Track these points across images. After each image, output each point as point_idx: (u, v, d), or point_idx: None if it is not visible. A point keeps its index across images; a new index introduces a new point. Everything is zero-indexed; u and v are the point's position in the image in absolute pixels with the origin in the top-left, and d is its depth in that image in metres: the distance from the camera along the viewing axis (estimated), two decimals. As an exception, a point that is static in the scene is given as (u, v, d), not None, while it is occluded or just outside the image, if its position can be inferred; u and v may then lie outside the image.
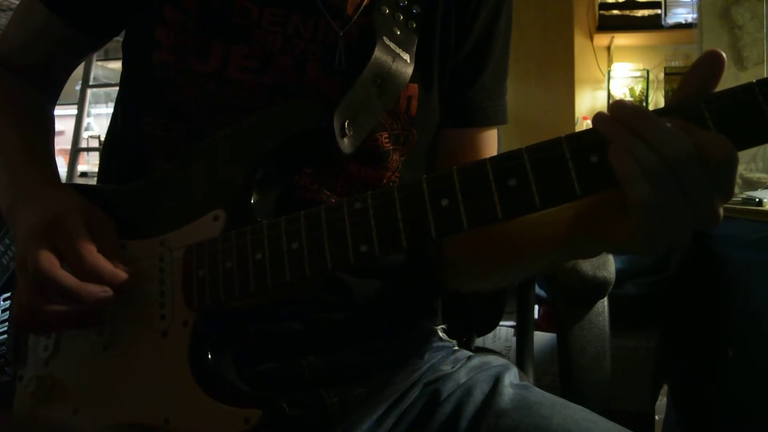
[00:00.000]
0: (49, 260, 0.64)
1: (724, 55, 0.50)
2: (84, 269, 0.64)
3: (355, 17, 0.77)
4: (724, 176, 0.49)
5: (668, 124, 0.49)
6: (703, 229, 0.52)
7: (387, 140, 0.78)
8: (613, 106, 0.52)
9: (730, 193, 0.50)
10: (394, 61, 0.75)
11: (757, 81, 0.48)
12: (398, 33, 0.77)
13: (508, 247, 0.74)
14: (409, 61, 0.76)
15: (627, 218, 0.52)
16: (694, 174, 0.48)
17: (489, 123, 0.87)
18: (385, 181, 0.79)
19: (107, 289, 0.64)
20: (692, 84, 0.50)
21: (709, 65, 0.50)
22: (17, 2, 0.89)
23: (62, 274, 0.63)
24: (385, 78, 0.74)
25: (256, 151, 0.68)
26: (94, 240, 0.67)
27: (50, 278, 0.63)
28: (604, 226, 0.56)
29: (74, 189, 0.76)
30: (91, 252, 0.65)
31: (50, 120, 0.88)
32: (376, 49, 0.74)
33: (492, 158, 0.55)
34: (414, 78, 0.78)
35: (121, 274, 0.66)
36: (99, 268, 0.65)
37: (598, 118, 0.52)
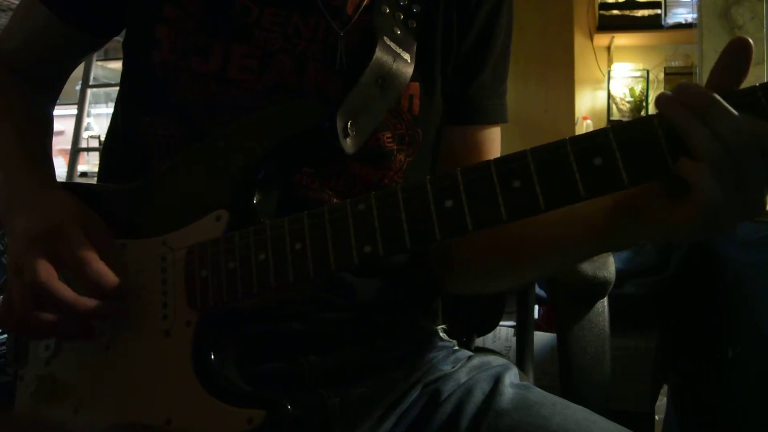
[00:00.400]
0: (47, 271, 0.64)
1: (751, 41, 0.50)
2: (87, 277, 0.64)
3: (356, 17, 0.77)
4: None
5: (731, 110, 0.49)
6: (748, 218, 0.52)
7: (390, 140, 0.78)
8: (678, 88, 0.51)
9: None
10: (395, 61, 0.75)
11: (760, 85, 0.48)
12: (398, 32, 0.77)
13: (511, 250, 0.74)
14: (409, 60, 0.76)
15: (681, 206, 0.51)
16: (753, 163, 0.49)
17: (489, 121, 0.87)
18: (386, 180, 0.79)
19: (104, 303, 0.65)
20: (724, 73, 0.50)
21: (740, 53, 0.50)
22: (17, 2, 0.89)
23: (60, 287, 0.64)
24: (387, 78, 0.74)
25: (258, 150, 0.68)
26: (93, 245, 0.67)
27: (47, 290, 0.63)
28: (652, 213, 0.55)
29: (74, 189, 0.76)
30: (94, 259, 0.65)
31: (49, 120, 0.88)
32: (377, 49, 0.74)
33: (496, 159, 0.55)
34: (415, 77, 0.78)
35: (121, 282, 0.66)
36: (101, 276, 0.65)
37: (660, 98, 0.51)
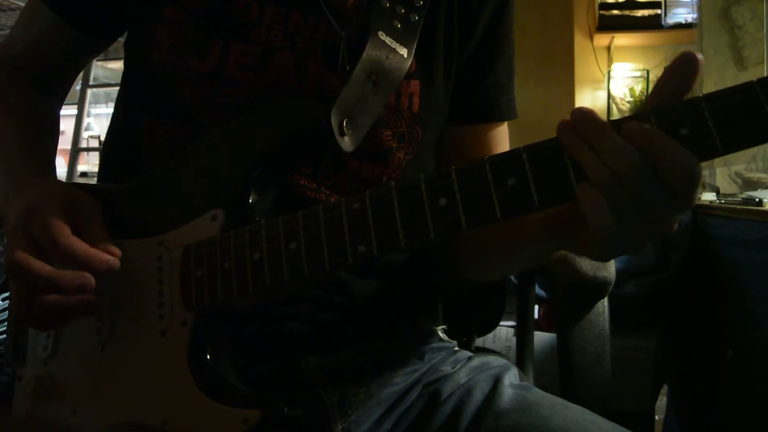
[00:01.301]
0: (21, 252, 0.63)
1: (701, 57, 0.50)
2: (59, 255, 0.64)
3: (356, 14, 0.77)
4: (682, 191, 0.49)
5: (616, 137, 0.50)
6: (657, 236, 0.53)
7: (389, 137, 0.78)
8: (573, 113, 0.52)
9: (689, 205, 0.51)
10: (388, 56, 0.74)
11: (758, 80, 0.48)
12: (398, 27, 0.76)
13: (507, 236, 0.74)
14: (406, 55, 0.76)
15: (586, 225, 0.52)
16: (644, 188, 0.49)
17: (503, 118, 0.88)
18: (384, 178, 0.79)
19: (85, 274, 0.63)
20: (670, 85, 0.51)
21: (687, 68, 0.50)
22: (17, 2, 0.90)
23: (36, 265, 0.63)
24: (380, 74, 0.74)
25: (254, 150, 0.68)
26: (73, 224, 0.66)
27: (24, 270, 0.63)
28: (569, 231, 0.57)
29: (59, 181, 0.76)
30: (62, 234, 0.64)
31: (55, 121, 0.88)
32: (369, 45, 0.74)
33: (491, 158, 0.55)
34: (415, 75, 0.78)
35: (100, 257, 0.64)
36: (74, 252, 0.64)
37: (561, 126, 0.52)
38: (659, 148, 0.49)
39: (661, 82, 0.52)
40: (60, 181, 0.74)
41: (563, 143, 0.52)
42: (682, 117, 0.49)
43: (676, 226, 0.52)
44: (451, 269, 0.88)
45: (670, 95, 0.51)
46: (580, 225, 0.54)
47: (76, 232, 0.66)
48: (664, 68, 0.52)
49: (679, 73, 0.51)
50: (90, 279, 0.63)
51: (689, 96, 0.50)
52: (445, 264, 0.88)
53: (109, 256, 0.65)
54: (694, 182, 0.49)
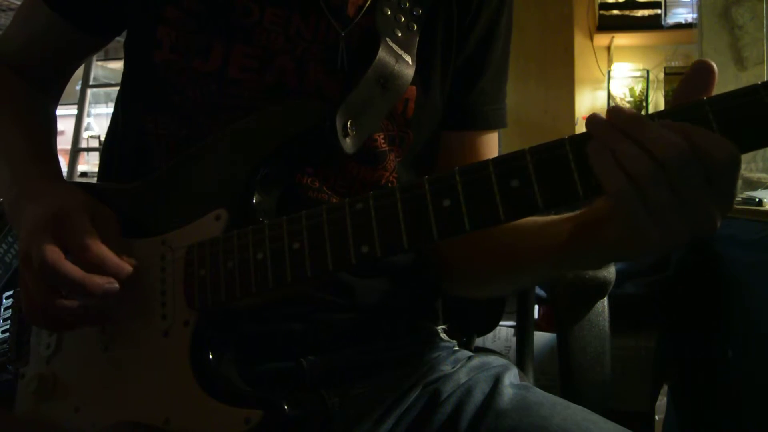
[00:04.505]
0: (54, 252, 0.64)
1: (714, 65, 0.50)
2: (89, 260, 0.64)
3: (357, 18, 0.77)
4: (724, 181, 0.48)
5: (661, 127, 0.49)
6: (699, 236, 0.51)
7: (383, 141, 0.78)
8: (610, 111, 0.51)
9: (730, 200, 0.50)
10: (397, 62, 0.75)
11: (762, 83, 0.48)
12: (399, 35, 0.77)
13: (505, 256, 0.74)
14: (411, 63, 0.76)
15: (614, 222, 0.52)
16: (689, 177, 0.48)
17: (488, 127, 0.88)
18: (383, 181, 0.79)
19: (112, 280, 0.65)
20: (685, 94, 0.51)
21: (702, 75, 0.50)
22: (17, 2, 0.90)
23: (68, 266, 0.63)
24: (389, 79, 0.74)
25: (258, 150, 0.68)
26: (98, 233, 0.67)
27: (56, 270, 0.63)
28: (599, 233, 0.57)
29: (76, 186, 0.76)
30: (96, 243, 0.65)
31: (52, 119, 0.88)
32: (381, 49, 0.74)
33: (494, 159, 0.55)
34: (413, 81, 0.78)
35: (126, 266, 0.66)
36: (104, 259, 0.65)
37: (590, 119, 0.52)
38: (700, 135, 0.48)
39: (677, 94, 0.51)
40: (78, 188, 0.74)
41: (599, 138, 0.50)
42: (686, 120, 0.49)
43: (719, 224, 0.51)
44: (447, 287, 0.89)
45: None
46: (608, 231, 0.53)
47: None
48: (682, 79, 0.51)
49: (692, 83, 0.50)
50: (116, 285, 0.65)
51: None
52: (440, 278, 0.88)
53: (130, 267, 0.67)
54: (736, 170, 0.48)
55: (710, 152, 0.47)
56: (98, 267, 0.65)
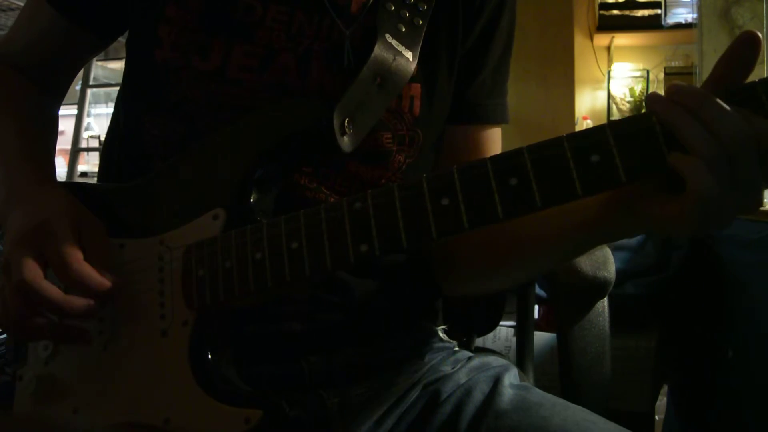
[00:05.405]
0: (32, 270, 0.63)
1: (760, 35, 0.49)
2: (70, 278, 0.64)
3: (360, 15, 0.77)
4: None
5: (724, 105, 0.49)
6: (745, 213, 0.52)
7: (389, 140, 0.78)
8: (670, 88, 0.51)
9: None
10: (394, 58, 0.74)
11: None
12: (403, 30, 0.76)
13: (518, 245, 0.73)
14: (411, 59, 0.76)
15: (676, 200, 0.51)
16: (748, 159, 0.49)
17: (488, 121, 0.87)
18: (383, 180, 0.79)
19: (91, 302, 0.64)
20: (731, 69, 0.50)
21: (748, 47, 0.49)
22: (18, 2, 0.89)
23: (46, 286, 0.63)
24: (385, 75, 0.74)
25: (255, 149, 0.68)
26: (81, 244, 0.66)
27: (33, 290, 0.62)
28: (646, 207, 0.55)
29: (72, 188, 0.76)
30: (77, 260, 0.64)
31: (53, 120, 0.88)
32: (377, 46, 0.73)
33: (493, 157, 0.55)
34: (417, 78, 0.78)
35: (107, 282, 0.65)
36: (84, 277, 0.64)
37: (651, 96, 0.51)
38: (760, 119, 0.48)
39: (720, 66, 0.50)
40: (65, 194, 0.73)
41: (660, 114, 0.50)
42: (741, 101, 0.49)
43: (761, 204, 0.52)
44: (443, 286, 0.88)
45: (730, 80, 0.50)
46: (662, 199, 0.53)
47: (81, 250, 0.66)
48: (726, 50, 0.50)
49: (739, 55, 0.50)
50: (96, 307, 0.64)
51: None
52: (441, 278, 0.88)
53: (110, 284, 0.65)
54: None
55: (765, 135, 0.48)
56: (79, 284, 0.64)
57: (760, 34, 0.49)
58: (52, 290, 0.63)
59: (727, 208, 0.51)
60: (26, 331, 0.66)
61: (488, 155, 0.56)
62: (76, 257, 0.64)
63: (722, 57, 0.51)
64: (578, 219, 0.63)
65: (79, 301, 0.63)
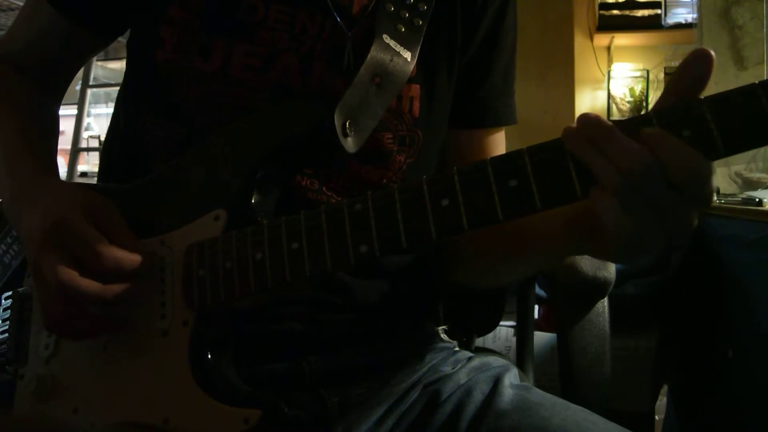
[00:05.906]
0: (66, 271, 0.63)
1: (713, 53, 0.50)
2: (104, 265, 0.64)
3: (362, 16, 0.77)
4: (695, 188, 0.49)
5: (625, 138, 0.49)
6: (679, 240, 0.52)
7: (390, 141, 0.78)
8: (578, 119, 0.52)
9: (703, 203, 0.50)
10: (392, 59, 0.74)
11: (759, 82, 0.47)
12: (402, 30, 0.76)
13: (516, 234, 0.74)
14: (409, 59, 0.76)
15: (603, 230, 0.52)
16: (656, 189, 0.49)
17: (500, 123, 0.88)
18: (384, 180, 0.79)
19: (128, 285, 0.65)
20: (683, 84, 0.50)
21: (701, 65, 0.50)
22: (18, 2, 0.89)
23: (85, 284, 0.63)
24: (383, 76, 0.74)
25: (257, 151, 0.68)
26: (102, 232, 0.66)
27: (74, 290, 0.63)
28: (590, 235, 0.57)
29: (74, 185, 0.76)
30: (106, 247, 0.65)
31: (54, 119, 0.88)
32: (373, 47, 0.74)
33: (492, 159, 0.55)
34: (416, 79, 0.78)
35: (137, 257, 0.66)
36: (118, 260, 0.65)
37: (566, 132, 0.52)
38: (666, 147, 0.48)
39: (673, 82, 0.51)
40: (72, 185, 0.73)
41: (571, 149, 0.51)
42: (684, 119, 0.49)
43: (695, 223, 0.51)
44: (450, 278, 0.88)
45: (683, 95, 0.50)
46: (599, 228, 0.53)
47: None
48: (678, 66, 0.51)
49: (691, 72, 0.50)
50: (131, 288, 0.65)
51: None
52: (444, 271, 0.88)
53: (140, 258, 0.66)
54: (702, 181, 0.48)
55: (674, 165, 0.48)
56: (115, 270, 0.64)
57: (713, 53, 0.49)
58: (91, 285, 0.63)
59: (652, 237, 0.51)
60: (77, 329, 0.67)
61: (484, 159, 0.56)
62: (104, 245, 0.65)
63: (674, 73, 0.51)
64: (553, 227, 0.65)
65: (117, 287, 0.64)
